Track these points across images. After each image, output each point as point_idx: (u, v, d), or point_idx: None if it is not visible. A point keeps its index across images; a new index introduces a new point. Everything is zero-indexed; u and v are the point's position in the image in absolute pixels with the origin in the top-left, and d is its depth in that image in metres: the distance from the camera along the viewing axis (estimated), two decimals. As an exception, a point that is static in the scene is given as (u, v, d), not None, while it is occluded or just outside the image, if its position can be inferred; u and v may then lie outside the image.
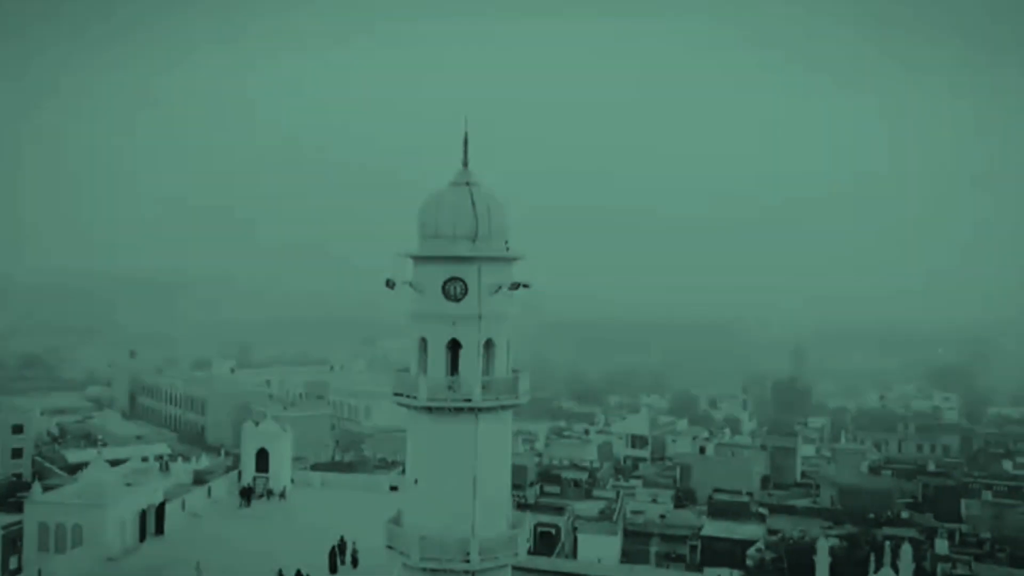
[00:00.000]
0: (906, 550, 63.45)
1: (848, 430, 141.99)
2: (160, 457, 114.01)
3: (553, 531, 76.38)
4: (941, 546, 72.18)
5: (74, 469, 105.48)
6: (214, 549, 52.71)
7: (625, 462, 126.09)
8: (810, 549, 67.51)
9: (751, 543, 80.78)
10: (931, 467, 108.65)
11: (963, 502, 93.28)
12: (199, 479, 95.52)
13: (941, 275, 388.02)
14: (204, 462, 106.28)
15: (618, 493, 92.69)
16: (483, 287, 32.82)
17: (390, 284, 33.19)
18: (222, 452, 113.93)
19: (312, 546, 52.64)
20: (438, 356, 33.17)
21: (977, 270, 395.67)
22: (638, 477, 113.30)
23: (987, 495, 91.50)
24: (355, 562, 51.83)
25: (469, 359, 32.97)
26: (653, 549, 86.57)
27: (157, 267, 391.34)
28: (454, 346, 33.41)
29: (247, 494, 65.52)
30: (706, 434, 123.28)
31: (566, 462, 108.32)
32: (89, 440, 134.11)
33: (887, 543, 56.92)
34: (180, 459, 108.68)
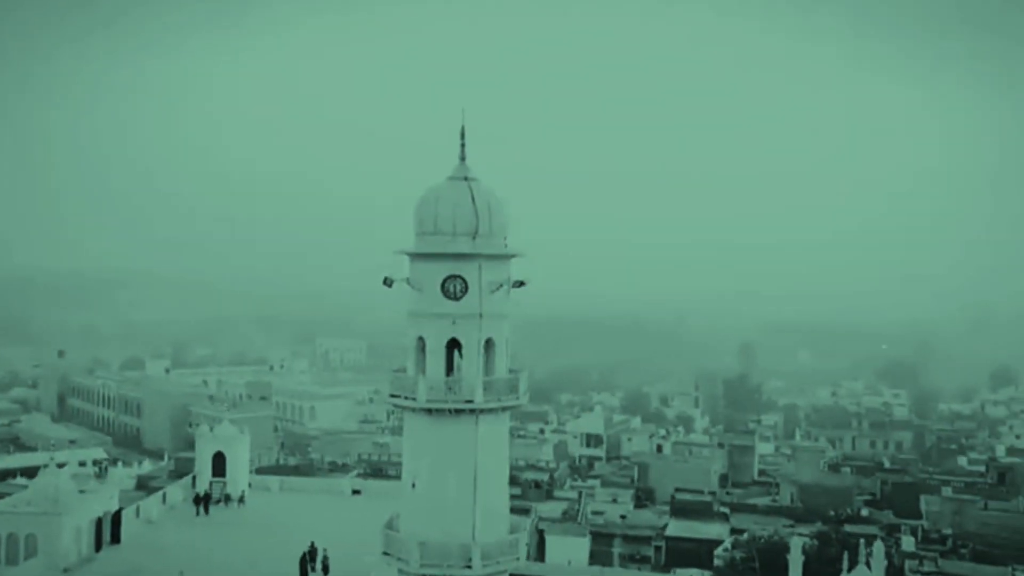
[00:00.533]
0: (878, 547, 64.80)
1: (802, 427, 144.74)
2: (98, 462, 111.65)
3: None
4: (908, 543, 73.95)
5: (3, 476, 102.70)
6: (176, 558, 51.68)
7: (580, 462, 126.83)
8: (781, 548, 68.70)
9: (717, 543, 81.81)
10: (887, 464, 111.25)
11: (923, 498, 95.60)
12: (141, 485, 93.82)
13: (888, 272, 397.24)
14: (147, 467, 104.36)
15: (580, 494, 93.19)
16: (484, 285, 32.70)
17: (388, 282, 32.91)
18: (166, 456, 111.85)
19: (280, 553, 52.00)
20: (437, 356, 32.99)
21: (922, 267, 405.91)
22: (595, 477, 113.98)
23: (947, 491, 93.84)
24: (326, 569, 51.32)
25: (470, 359, 32.85)
26: (616, 550, 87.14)
27: (99, 264, 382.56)
28: (452, 346, 33.26)
29: (204, 501, 64.24)
30: (663, 432, 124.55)
31: (522, 463, 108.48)
32: (17, 445, 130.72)
33: (861, 541, 57.99)
34: (120, 464, 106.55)
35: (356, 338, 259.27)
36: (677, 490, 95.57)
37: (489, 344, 33.35)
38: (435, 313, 32.79)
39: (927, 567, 72.40)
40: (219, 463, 67.59)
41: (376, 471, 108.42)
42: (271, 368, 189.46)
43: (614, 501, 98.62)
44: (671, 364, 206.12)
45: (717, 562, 73.17)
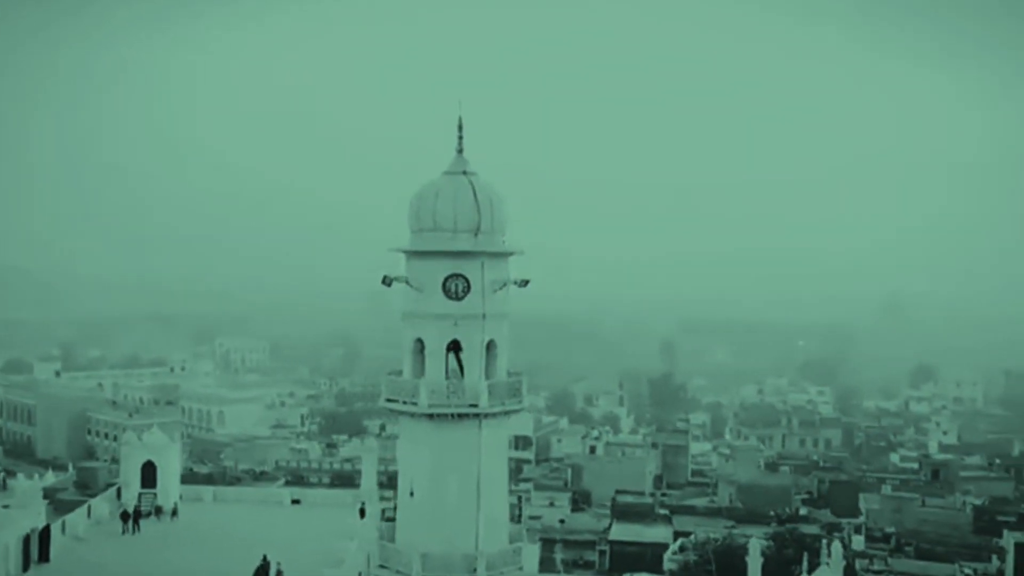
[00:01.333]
0: (836, 548, 66.84)
1: (731, 426, 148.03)
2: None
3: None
4: (858, 542, 76.42)
5: None
6: (115, 578, 50.15)
7: (509, 465, 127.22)
8: (737, 550, 70.20)
9: (662, 546, 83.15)
10: (821, 462, 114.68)
11: (862, 496, 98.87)
12: (46, 497, 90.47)
13: (805, 267, 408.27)
14: (50, 479, 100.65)
15: (519, 499, 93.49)
16: (486, 284, 32.62)
17: (387, 281, 32.56)
18: (69, 467, 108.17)
19: (228, 569, 50.87)
20: (437, 359, 32.78)
21: (838, 262, 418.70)
22: (527, 480, 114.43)
23: (887, 489, 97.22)
24: (282, 584, 50.42)
25: (472, 361, 32.75)
26: (558, 556, 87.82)
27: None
28: (451, 348, 33.10)
29: (133, 517, 61.92)
30: (596, 433, 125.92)
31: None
32: None
33: (823, 542, 59.72)
34: (21, 476, 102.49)
35: (258, 338, 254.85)
36: (618, 492, 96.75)
37: (491, 346, 33.28)
38: (436, 314, 32.59)
39: (877, 566, 75.17)
40: (148, 473, 65.69)
41: (298, 479, 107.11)
42: (171, 370, 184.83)
43: (551, 505, 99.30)
44: (592, 363, 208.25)
45: (670, 566, 74.35)
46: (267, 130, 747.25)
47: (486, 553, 32.40)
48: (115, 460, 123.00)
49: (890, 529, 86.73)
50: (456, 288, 32.54)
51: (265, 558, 51.36)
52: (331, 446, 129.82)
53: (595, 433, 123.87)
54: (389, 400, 33.26)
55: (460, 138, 33.86)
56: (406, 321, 33.46)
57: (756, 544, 64.30)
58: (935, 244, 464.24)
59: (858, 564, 73.02)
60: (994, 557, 77.76)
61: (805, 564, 62.52)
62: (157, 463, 66.06)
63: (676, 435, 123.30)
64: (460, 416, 32.29)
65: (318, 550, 51.51)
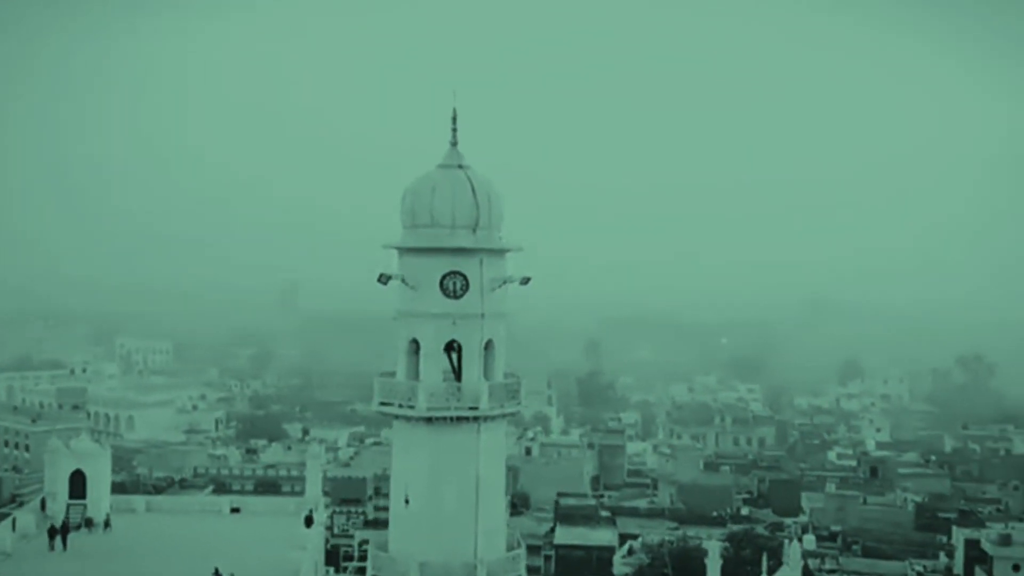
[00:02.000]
0: (795, 548, 68.46)
1: (664, 425, 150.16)
2: None
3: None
4: (809, 541, 78.26)
5: None
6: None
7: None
8: (693, 552, 71.39)
9: (608, 549, 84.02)
10: (759, 461, 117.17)
11: (804, 495, 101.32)
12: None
13: (727, 264, 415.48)
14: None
15: (406, 501, 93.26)
16: (485, 282, 32.59)
17: (384, 279, 32.28)
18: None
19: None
20: (434, 360, 32.65)
21: (760, 257, 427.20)
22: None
23: (830, 487, 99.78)
24: (237, 597, 49.52)
25: (470, 362, 32.69)
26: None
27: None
28: (447, 348, 32.99)
29: (62, 532, 59.87)
30: (531, 435, 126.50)
31: (380, 471, 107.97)
32: None
33: (785, 542, 61.10)
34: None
35: (160, 338, 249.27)
36: (560, 495, 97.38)
37: (488, 346, 33.26)
38: (433, 313, 32.42)
39: (829, 565, 77.18)
40: (77, 483, 63.82)
41: (220, 486, 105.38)
42: (72, 372, 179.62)
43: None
44: (517, 362, 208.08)
45: (624, 570, 75.15)
46: (250, 124, 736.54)
47: (486, 561, 32.38)
48: (17, 468, 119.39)
49: (836, 528, 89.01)
50: (454, 286, 32.43)
51: (217, 571, 50.45)
52: (251, 452, 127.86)
53: (530, 434, 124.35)
54: (383, 404, 32.95)
55: (454, 130, 33.76)
56: (400, 320, 33.24)
57: (715, 546, 65.41)
58: (868, 243, 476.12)
59: (810, 564, 74.80)
60: (941, 554, 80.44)
61: (765, 565, 64.08)
62: (87, 472, 64.19)
63: (612, 435, 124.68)
64: (459, 419, 32.17)
65: (267, 561, 50.69)
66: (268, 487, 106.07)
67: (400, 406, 32.53)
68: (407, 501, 32.78)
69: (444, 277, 32.43)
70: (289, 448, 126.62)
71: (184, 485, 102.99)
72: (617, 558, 79.79)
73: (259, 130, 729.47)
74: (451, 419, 32.11)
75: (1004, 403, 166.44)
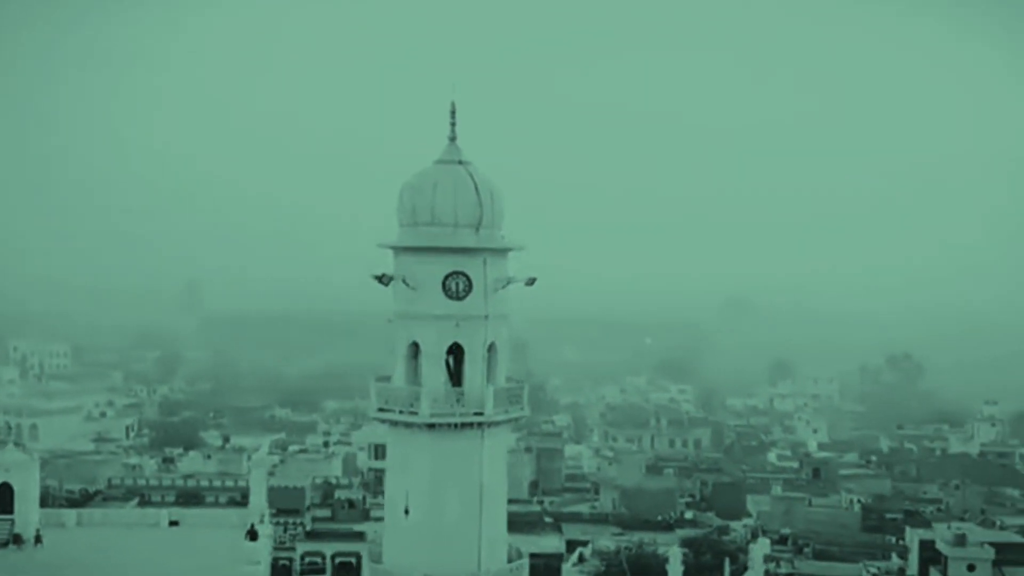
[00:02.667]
0: (758, 552, 69.80)
1: (597, 427, 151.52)
2: None
3: (354, 560, 75.55)
4: (763, 545, 79.55)
5: None
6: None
7: (368, 474, 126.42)
8: (651, 558, 72.27)
9: (556, 556, 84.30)
10: (700, 464, 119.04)
11: (749, 498, 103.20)
12: None
13: (652, 263, 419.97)
14: None
15: (406, 511, 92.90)
16: (488, 283, 32.58)
17: (384, 280, 32.04)
18: None
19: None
20: (436, 363, 32.51)
21: (684, 256, 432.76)
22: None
23: (776, 489, 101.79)
24: (190, 614, 48.80)
25: (474, 366, 32.65)
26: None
27: None
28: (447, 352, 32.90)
29: None
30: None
31: (318, 480, 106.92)
32: None
33: (751, 547, 62.29)
34: None
35: (58, 340, 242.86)
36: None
37: (491, 349, 33.25)
38: (435, 315, 32.28)
39: (784, 568, 78.76)
40: (3, 497, 61.87)
41: (141, 498, 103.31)
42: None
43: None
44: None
45: (582, 577, 75.63)
46: (225, 120, 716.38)
47: (490, 572, 32.38)
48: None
49: (785, 531, 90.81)
50: (457, 287, 32.34)
51: (169, 587, 49.58)
52: (168, 461, 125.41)
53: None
54: (382, 410, 32.68)
55: (453, 124, 33.63)
56: (399, 323, 33.01)
57: (677, 552, 66.41)
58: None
59: (766, 568, 76.25)
60: (894, 555, 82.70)
61: (728, 570, 65.28)
62: (14, 485, 62.40)
63: (549, 438, 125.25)
64: (462, 426, 32.10)
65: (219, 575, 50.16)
66: (189, 498, 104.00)
67: (400, 412, 32.29)
68: (407, 511, 32.57)
69: (447, 278, 32.30)
70: (209, 457, 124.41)
71: (106, 498, 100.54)
72: (567, 566, 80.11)
73: (235, 125, 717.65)
74: (455, 425, 32.00)
75: (935, 402, 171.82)
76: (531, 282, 33.37)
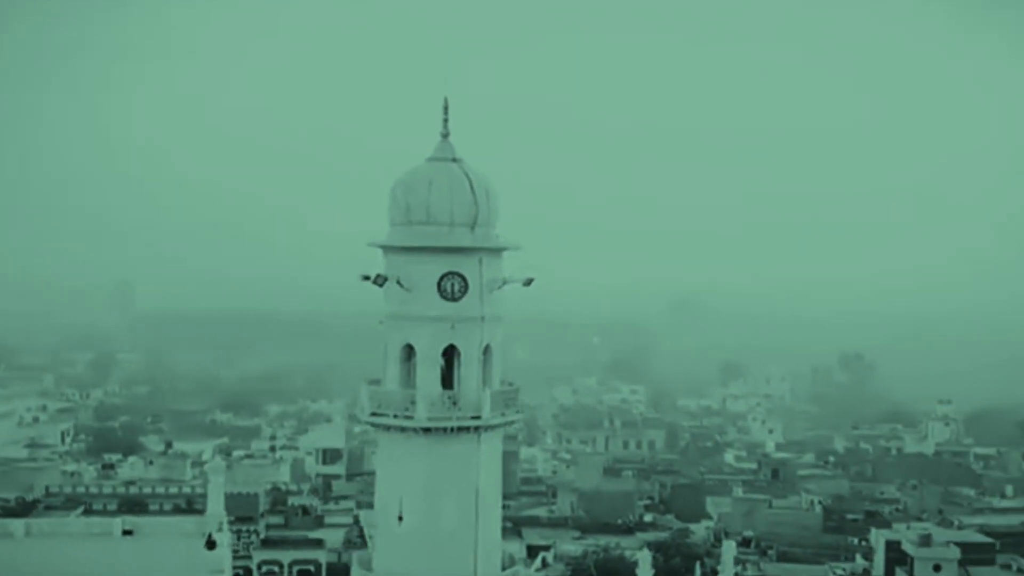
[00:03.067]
0: (728, 555, 70.51)
1: (550, 429, 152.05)
2: None
3: (312, 568, 75.29)
4: (728, 546, 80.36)
5: None
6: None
7: (316, 480, 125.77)
8: (618, 563, 72.68)
9: (518, 562, 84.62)
10: (658, 466, 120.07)
11: (709, 500, 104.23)
12: None
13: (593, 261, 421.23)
14: None
15: (356, 519, 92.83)
16: (484, 283, 32.58)
17: (379, 281, 31.87)
18: None
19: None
20: (431, 366, 32.45)
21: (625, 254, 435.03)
22: (343, 498, 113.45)
23: (737, 491, 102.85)
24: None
25: (469, 368, 32.61)
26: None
27: None
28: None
29: None
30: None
31: (269, 485, 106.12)
32: None
33: (722, 548, 62.87)
34: None
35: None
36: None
37: (486, 351, 33.26)
38: (430, 316, 32.20)
39: (751, 571, 79.70)
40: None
41: (87, 507, 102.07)
42: None
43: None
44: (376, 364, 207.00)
45: (547, 583, 75.88)
46: (208, 118, 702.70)
47: (486, 579, 32.42)
48: None
49: (748, 533, 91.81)
50: (452, 288, 32.29)
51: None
52: (108, 467, 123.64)
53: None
54: (375, 414, 32.51)
55: (446, 120, 33.54)
56: (392, 324, 32.86)
57: (646, 556, 66.98)
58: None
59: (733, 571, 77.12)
60: (858, 556, 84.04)
61: (699, 573, 65.93)
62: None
63: (504, 441, 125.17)
64: (458, 430, 32.07)
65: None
66: (132, 505, 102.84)
67: (395, 416, 32.15)
68: (400, 517, 32.47)
69: (442, 278, 32.24)
70: (151, 463, 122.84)
71: (48, 506, 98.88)
72: (530, 571, 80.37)
73: (215, 121, 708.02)
74: (450, 430, 31.96)
75: (888, 402, 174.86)
76: (528, 283, 33.40)
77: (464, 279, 32.38)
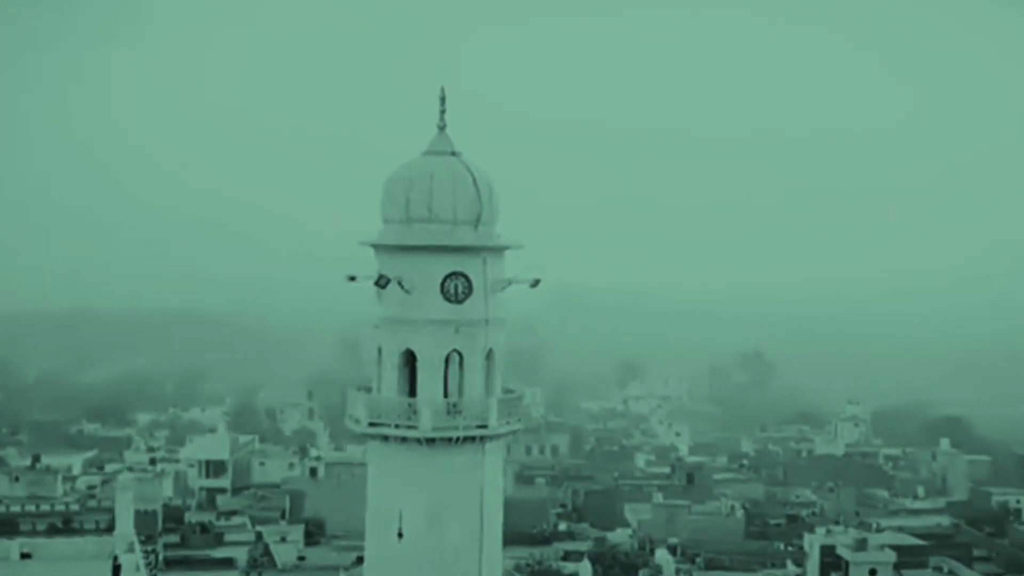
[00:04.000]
0: (667, 563, 71.95)
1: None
2: None
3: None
4: (661, 555, 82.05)
5: None
6: None
7: (200, 493, 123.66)
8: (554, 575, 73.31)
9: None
10: (570, 472, 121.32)
11: (627, 507, 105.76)
12: None
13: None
14: None
15: (259, 535, 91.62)
16: (488, 284, 32.52)
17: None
18: None
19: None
20: (434, 373, 32.18)
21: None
22: (234, 512, 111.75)
23: (658, 497, 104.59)
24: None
25: (473, 374, 32.46)
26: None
27: None
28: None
29: None
30: (316, 454, 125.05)
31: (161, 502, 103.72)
32: None
33: (661, 558, 64.30)
34: None
35: None
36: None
37: (489, 356, 33.21)
38: (433, 320, 31.92)
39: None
40: None
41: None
42: None
43: (283, 540, 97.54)
44: (269, 368, 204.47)
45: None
46: (178, 111, 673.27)
47: (491, 599, 32.40)
48: None
49: (672, 540, 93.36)
50: (456, 289, 32.05)
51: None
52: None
53: (315, 453, 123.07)
54: (373, 424, 32.12)
55: (443, 112, 33.17)
56: (388, 328, 32.50)
57: (586, 568, 68.11)
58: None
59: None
60: (789, 562, 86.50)
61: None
62: None
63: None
64: (463, 440, 31.92)
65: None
66: (2, 526, 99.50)
67: (396, 427, 31.82)
68: (400, 535, 32.16)
69: (445, 279, 31.98)
70: (16, 479, 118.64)
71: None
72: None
73: (180, 114, 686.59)
74: (456, 440, 31.79)
75: (791, 402, 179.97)
76: (535, 283, 33.38)
77: (468, 280, 32.15)
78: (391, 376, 32.74)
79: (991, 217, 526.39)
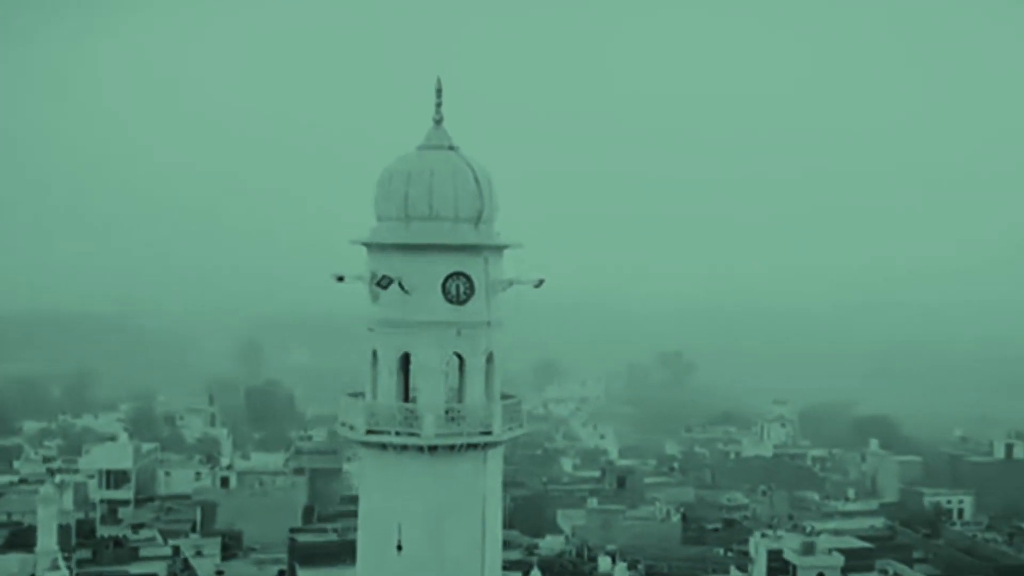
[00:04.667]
0: (618, 571, 72.67)
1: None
2: None
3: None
4: (605, 563, 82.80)
5: None
6: None
7: (101, 506, 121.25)
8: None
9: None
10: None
11: (560, 513, 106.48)
12: None
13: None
14: None
15: (177, 549, 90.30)
16: (490, 285, 32.56)
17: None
18: None
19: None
20: (434, 378, 32.12)
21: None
22: (141, 526, 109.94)
23: (592, 502, 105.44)
24: None
25: (474, 378, 32.51)
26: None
27: None
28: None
29: None
30: (227, 462, 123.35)
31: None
32: None
33: (614, 566, 64.95)
34: None
35: None
36: (295, 531, 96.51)
37: (489, 359, 33.28)
38: (434, 322, 31.86)
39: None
40: None
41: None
42: None
43: (198, 554, 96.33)
44: (166, 372, 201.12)
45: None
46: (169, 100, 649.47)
47: (494, 612, 32.51)
48: None
49: (610, 547, 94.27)
50: (458, 290, 31.99)
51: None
52: None
53: (225, 462, 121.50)
54: (372, 432, 31.92)
55: (439, 105, 33.06)
56: (386, 331, 32.33)
57: (537, 576, 68.51)
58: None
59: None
60: (732, 567, 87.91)
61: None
62: None
63: (323, 457, 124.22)
64: (465, 447, 31.93)
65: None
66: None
67: (397, 434, 31.67)
68: (399, 547, 32.03)
69: (447, 279, 31.90)
70: None
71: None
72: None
73: (170, 100, 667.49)
74: (457, 447, 31.77)
75: (713, 402, 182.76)
76: (539, 284, 33.47)
77: (470, 280, 32.10)
78: (388, 381, 32.58)
79: (947, 213, 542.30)
